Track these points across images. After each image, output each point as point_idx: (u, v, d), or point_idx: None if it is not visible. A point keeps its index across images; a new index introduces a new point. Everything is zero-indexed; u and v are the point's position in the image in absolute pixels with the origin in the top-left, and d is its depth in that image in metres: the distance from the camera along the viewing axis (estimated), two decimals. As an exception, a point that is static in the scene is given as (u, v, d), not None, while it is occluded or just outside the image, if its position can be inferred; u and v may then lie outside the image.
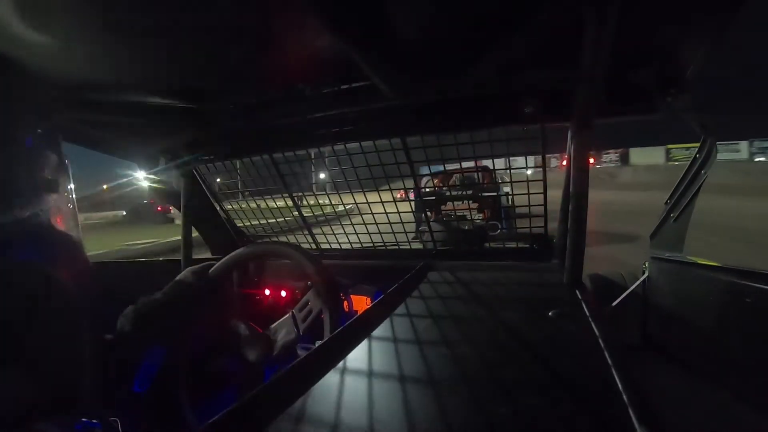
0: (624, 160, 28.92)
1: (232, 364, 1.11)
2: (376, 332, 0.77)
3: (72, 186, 0.76)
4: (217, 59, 0.88)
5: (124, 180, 1.49)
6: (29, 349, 0.49)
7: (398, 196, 1.34)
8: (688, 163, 1.27)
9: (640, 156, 28.34)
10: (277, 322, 1.10)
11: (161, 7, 0.63)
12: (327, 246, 1.52)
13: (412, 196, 1.36)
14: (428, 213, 1.35)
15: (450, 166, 1.66)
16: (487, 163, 1.30)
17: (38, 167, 0.61)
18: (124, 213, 23.06)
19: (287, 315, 1.10)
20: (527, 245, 1.28)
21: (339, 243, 1.48)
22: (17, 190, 0.57)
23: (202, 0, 0.63)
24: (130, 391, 0.83)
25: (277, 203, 1.60)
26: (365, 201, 1.39)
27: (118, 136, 1.30)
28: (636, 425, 0.43)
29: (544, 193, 1.16)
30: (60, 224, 0.69)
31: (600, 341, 0.65)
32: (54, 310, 0.55)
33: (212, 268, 1.16)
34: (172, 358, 0.94)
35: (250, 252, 1.20)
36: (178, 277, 1.08)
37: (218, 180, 1.57)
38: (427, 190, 1.61)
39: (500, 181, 1.29)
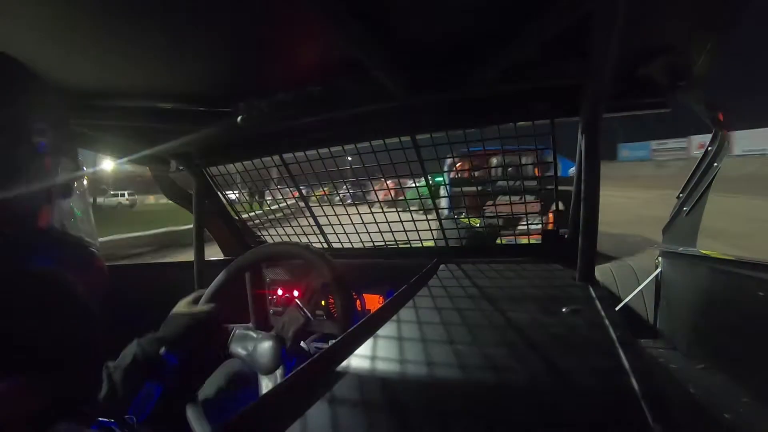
0: None
1: (245, 365, 1.12)
2: (389, 330, 0.77)
3: (87, 191, 0.76)
4: (227, 62, 0.89)
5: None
6: (43, 354, 0.50)
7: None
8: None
9: None
10: (284, 316, 1.12)
11: (171, 12, 0.64)
12: (339, 245, 1.53)
13: (423, 193, 1.36)
14: (438, 211, 1.35)
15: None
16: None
17: (54, 173, 0.62)
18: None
19: (291, 306, 1.12)
20: (539, 242, 1.28)
21: (351, 242, 1.49)
22: (31, 196, 0.57)
23: (210, 4, 0.63)
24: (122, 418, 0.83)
25: (288, 203, 1.61)
26: (377, 200, 1.39)
27: (130, 139, 1.32)
28: (650, 422, 0.43)
29: (555, 189, 1.16)
30: (76, 230, 0.70)
31: (614, 337, 0.65)
32: (68, 316, 0.56)
33: (205, 293, 1.16)
34: (170, 392, 0.93)
35: (239, 265, 1.22)
36: (173, 311, 1.07)
37: (229, 181, 1.58)
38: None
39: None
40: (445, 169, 1.35)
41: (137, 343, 0.91)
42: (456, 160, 1.34)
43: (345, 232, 1.49)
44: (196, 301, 1.12)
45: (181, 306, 1.09)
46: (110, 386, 0.79)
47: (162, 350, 0.92)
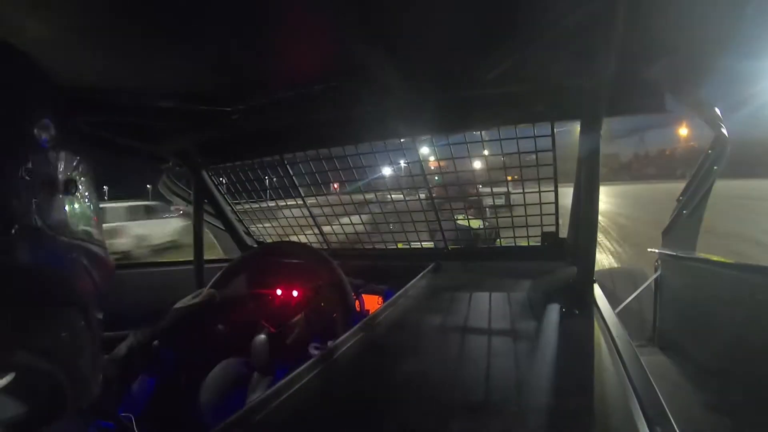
0: None
1: (243, 365, 1.12)
2: (387, 332, 0.77)
3: (95, 190, 0.76)
4: (229, 61, 0.88)
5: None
6: (39, 354, 0.50)
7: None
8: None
9: None
10: (291, 322, 1.11)
11: (174, 9, 0.64)
12: (338, 246, 1.53)
13: (423, 195, 1.36)
14: (438, 213, 1.35)
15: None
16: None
17: (58, 169, 0.61)
18: None
19: (299, 315, 1.11)
20: (538, 244, 1.28)
21: (351, 243, 1.49)
22: (31, 192, 0.57)
23: (215, 3, 0.63)
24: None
25: (288, 203, 1.61)
26: (376, 201, 1.39)
27: (130, 137, 1.31)
28: (647, 425, 0.43)
29: (555, 191, 1.16)
30: (79, 228, 0.70)
31: (612, 340, 0.65)
32: (65, 315, 0.55)
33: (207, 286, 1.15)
34: (165, 386, 0.93)
35: (242, 259, 1.22)
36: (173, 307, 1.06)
37: (229, 181, 1.58)
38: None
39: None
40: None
41: (133, 335, 0.91)
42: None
43: (344, 233, 1.49)
44: (196, 297, 1.11)
45: (181, 301, 1.08)
46: (104, 379, 0.79)
47: (156, 343, 0.91)
